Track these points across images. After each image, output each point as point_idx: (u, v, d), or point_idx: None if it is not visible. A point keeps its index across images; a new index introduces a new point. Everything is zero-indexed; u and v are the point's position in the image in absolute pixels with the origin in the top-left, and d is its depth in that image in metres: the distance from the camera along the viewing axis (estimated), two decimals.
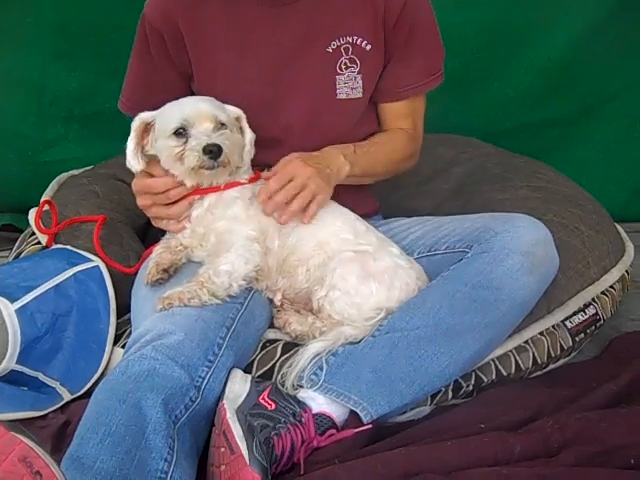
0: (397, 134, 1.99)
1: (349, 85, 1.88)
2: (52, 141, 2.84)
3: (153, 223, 1.83)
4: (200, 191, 1.74)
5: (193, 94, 1.90)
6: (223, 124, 1.69)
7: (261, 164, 1.84)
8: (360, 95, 1.89)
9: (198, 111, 1.68)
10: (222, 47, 1.84)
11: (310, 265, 1.77)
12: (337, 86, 1.87)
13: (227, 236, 1.71)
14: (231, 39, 1.84)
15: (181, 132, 1.66)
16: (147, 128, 1.74)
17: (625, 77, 2.84)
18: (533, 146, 2.84)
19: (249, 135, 1.77)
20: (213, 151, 1.63)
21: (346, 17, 1.84)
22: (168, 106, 1.72)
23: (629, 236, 2.36)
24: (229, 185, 1.75)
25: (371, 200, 2.10)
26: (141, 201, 1.79)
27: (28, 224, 2.17)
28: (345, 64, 1.86)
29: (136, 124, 1.74)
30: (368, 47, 1.86)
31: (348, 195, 1.91)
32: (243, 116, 1.77)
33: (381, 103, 1.99)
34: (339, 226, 1.80)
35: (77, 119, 2.82)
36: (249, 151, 1.78)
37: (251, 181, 1.79)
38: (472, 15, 2.73)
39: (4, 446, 1.15)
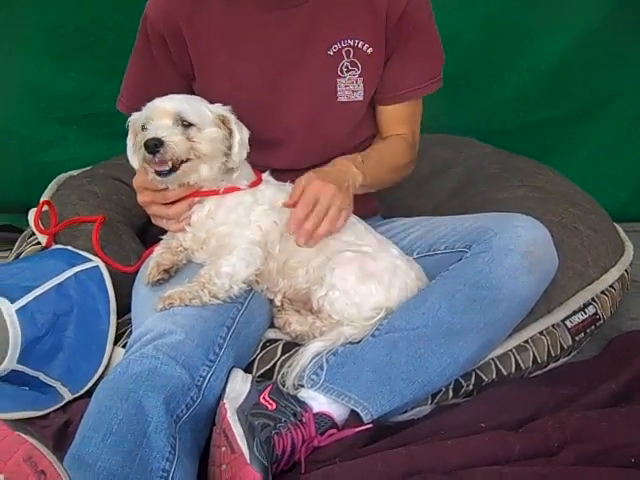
0: (396, 141, 1.99)
1: (350, 88, 1.88)
2: (50, 142, 2.85)
3: (153, 221, 1.82)
4: (199, 193, 1.73)
5: (194, 94, 1.90)
6: (187, 122, 1.66)
7: (263, 166, 1.84)
8: (361, 98, 1.90)
9: (157, 108, 1.67)
10: (223, 49, 1.85)
11: (310, 266, 1.77)
12: (338, 89, 1.88)
13: (228, 239, 1.70)
14: (232, 42, 1.84)
15: (144, 128, 1.66)
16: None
17: (625, 78, 2.85)
18: (532, 146, 2.84)
19: (237, 136, 1.72)
20: (149, 145, 1.60)
21: (347, 20, 1.84)
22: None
23: (628, 236, 2.36)
24: (228, 190, 1.74)
25: (371, 200, 2.10)
26: (141, 197, 1.78)
27: (27, 224, 2.17)
28: (346, 67, 1.86)
29: (130, 124, 1.75)
30: (369, 50, 1.86)
31: None
32: (230, 116, 1.73)
33: (379, 106, 1.99)
34: None
35: (75, 120, 2.83)
36: (239, 152, 1.72)
37: (252, 186, 1.78)
38: (472, 16, 2.73)
39: (9, 445, 1.16)
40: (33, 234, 2.12)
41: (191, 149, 1.65)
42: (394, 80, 1.93)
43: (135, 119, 1.73)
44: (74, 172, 2.47)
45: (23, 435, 1.16)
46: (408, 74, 1.93)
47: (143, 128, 1.66)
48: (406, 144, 2.00)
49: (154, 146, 1.60)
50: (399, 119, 1.99)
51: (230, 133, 1.73)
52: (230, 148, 1.72)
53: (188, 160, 1.66)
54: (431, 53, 1.95)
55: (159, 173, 1.64)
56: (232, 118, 1.73)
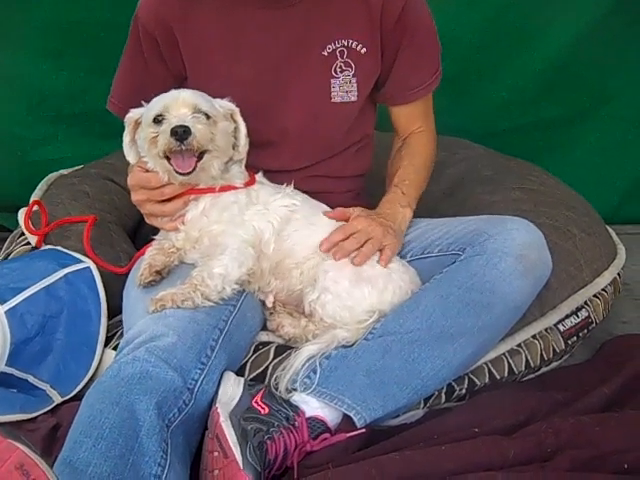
0: (418, 142, 2.01)
1: (344, 88, 1.87)
2: (41, 140, 2.81)
3: (146, 220, 1.81)
4: (195, 191, 1.72)
5: None
6: (204, 113, 1.66)
7: (257, 167, 1.83)
8: (355, 99, 1.89)
9: (176, 99, 1.67)
10: (217, 50, 1.83)
11: (305, 268, 1.76)
12: (332, 89, 1.87)
13: (221, 239, 1.69)
14: (226, 42, 1.83)
15: (159, 119, 1.65)
16: (137, 123, 1.73)
17: (620, 80, 2.85)
18: (526, 148, 2.84)
19: (244, 129, 1.75)
20: (178, 132, 1.59)
21: (342, 21, 1.83)
22: (154, 99, 1.71)
23: (620, 238, 2.36)
24: (224, 188, 1.74)
25: (365, 203, 2.09)
26: (136, 196, 1.76)
27: (17, 224, 2.14)
28: (340, 67, 1.85)
29: (129, 120, 1.74)
30: (363, 50, 1.85)
31: (344, 199, 1.91)
32: (236, 110, 1.75)
33: (393, 107, 1.99)
34: None
35: (66, 118, 2.80)
36: (245, 144, 1.76)
37: (246, 185, 1.78)
38: (467, 17, 2.73)
39: (1, 453, 1.14)
40: (23, 234, 2.09)
41: (211, 140, 1.66)
42: (403, 81, 1.93)
43: (134, 115, 1.73)
44: (64, 171, 2.44)
45: (14, 442, 1.15)
46: (418, 72, 1.94)
47: (157, 120, 1.65)
48: (426, 138, 2.03)
49: (183, 132, 1.59)
50: (415, 116, 2.01)
51: (235, 127, 1.75)
52: (235, 143, 1.75)
53: (206, 152, 1.66)
54: (432, 48, 1.95)
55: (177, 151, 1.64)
56: (237, 111, 1.75)
